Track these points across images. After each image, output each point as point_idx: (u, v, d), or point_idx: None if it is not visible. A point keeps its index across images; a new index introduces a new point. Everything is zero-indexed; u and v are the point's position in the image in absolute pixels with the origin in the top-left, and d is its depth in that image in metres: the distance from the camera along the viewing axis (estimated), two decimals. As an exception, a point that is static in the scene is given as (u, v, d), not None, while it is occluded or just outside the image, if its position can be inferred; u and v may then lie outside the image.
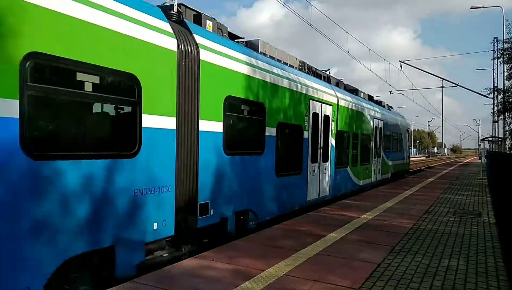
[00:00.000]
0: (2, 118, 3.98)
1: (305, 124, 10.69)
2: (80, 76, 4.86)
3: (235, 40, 8.77)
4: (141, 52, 5.55)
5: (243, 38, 9.34)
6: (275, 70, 9.27)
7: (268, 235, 7.27)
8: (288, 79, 9.80)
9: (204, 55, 6.73)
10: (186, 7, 7.22)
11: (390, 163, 20.56)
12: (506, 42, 23.45)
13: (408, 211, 10.30)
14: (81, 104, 4.96)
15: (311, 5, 14.74)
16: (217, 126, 7.12)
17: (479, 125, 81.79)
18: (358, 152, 15.12)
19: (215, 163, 7.09)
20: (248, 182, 8.16)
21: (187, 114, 6.41)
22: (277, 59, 10.13)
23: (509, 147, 29.62)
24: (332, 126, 12.55)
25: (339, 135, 13.05)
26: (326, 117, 12.06)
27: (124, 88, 5.47)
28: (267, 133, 8.77)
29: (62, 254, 4.50)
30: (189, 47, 6.43)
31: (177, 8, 6.96)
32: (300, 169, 10.54)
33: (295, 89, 10.07)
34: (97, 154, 4.98)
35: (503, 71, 25.25)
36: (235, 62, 7.68)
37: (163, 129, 5.90)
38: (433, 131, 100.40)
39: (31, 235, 4.21)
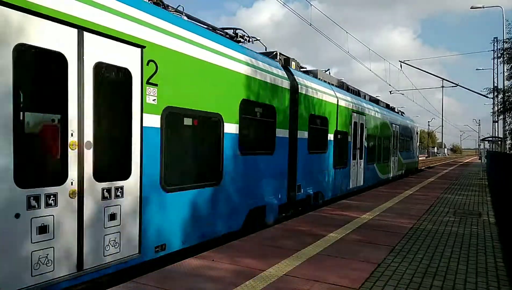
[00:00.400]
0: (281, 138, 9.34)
1: (349, 131, 13.76)
2: (258, 108, 8.55)
3: (301, 70, 11.74)
4: (275, 92, 9.07)
5: (305, 67, 12.61)
6: (332, 92, 12.65)
7: (268, 235, 7.28)
8: (339, 98, 13.03)
9: (300, 89, 10.20)
10: (280, 53, 10.55)
11: (404, 161, 23.60)
12: (506, 42, 23.47)
13: (408, 211, 10.30)
14: (257, 122, 8.70)
15: (311, 5, 14.76)
16: (306, 134, 10.66)
17: (479, 125, 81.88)
18: (381, 152, 18.22)
19: (304, 159, 10.46)
20: (319, 173, 11.63)
21: (293, 127, 9.91)
22: (328, 82, 13.34)
23: (509, 147, 29.63)
24: (365, 131, 15.44)
25: (369, 138, 16.05)
26: (361, 125, 15.01)
27: (270, 114, 8.90)
28: (329, 138, 12.18)
29: (251, 205, 8.27)
30: (294, 84, 9.96)
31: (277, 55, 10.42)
32: (347, 164, 13.74)
33: (343, 105, 13.28)
34: (261, 152, 8.67)
35: (503, 71, 25.27)
36: (314, 91, 11.13)
37: (283, 137, 9.42)
38: (433, 131, 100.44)
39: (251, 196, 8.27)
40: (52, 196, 4.33)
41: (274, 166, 9.07)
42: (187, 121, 6.49)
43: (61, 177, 4.46)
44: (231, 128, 7.35)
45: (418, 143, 31.32)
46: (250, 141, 8.23)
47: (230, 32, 8.86)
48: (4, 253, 3.93)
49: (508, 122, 26.00)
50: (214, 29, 8.13)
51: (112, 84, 5.23)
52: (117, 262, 5.06)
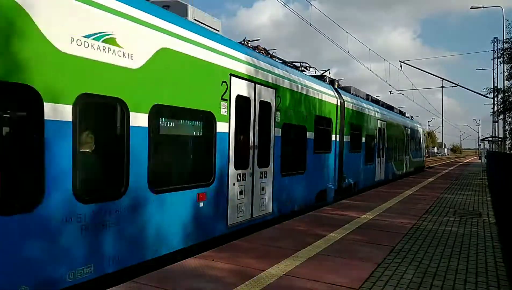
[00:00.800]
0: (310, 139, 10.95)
1: (375, 134, 17.18)
2: (323, 120, 11.86)
3: (340, 87, 14.78)
4: (332, 107, 12.35)
5: (341, 84, 15.31)
6: (364, 105, 15.96)
7: (268, 235, 7.28)
8: (368, 109, 16.37)
9: (345, 104, 13.38)
10: (328, 76, 13.76)
11: (413, 160, 27.25)
12: (506, 42, 23.49)
13: (408, 211, 10.30)
14: (323, 131, 11.69)
15: (311, 4, 14.77)
16: (348, 138, 13.73)
17: (479, 125, 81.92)
18: (397, 152, 21.88)
19: (347, 157, 13.63)
20: (356, 167, 14.89)
21: (340, 133, 13.01)
22: (359, 96, 16.33)
23: (509, 147, 29.63)
24: (385, 135, 18.83)
25: (388, 140, 19.56)
26: (383, 129, 18.53)
27: (329, 124, 12.23)
28: (362, 141, 15.43)
29: (321, 188, 11.61)
30: (341, 101, 13.15)
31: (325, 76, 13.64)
32: (374, 161, 17.18)
33: (372, 115, 16.70)
34: (324, 151, 11.84)
35: (503, 71, 25.28)
36: (353, 104, 14.36)
37: (335, 140, 12.67)
38: (433, 131, 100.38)
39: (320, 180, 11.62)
40: (379, 161, 17.37)
41: (331, 161, 12.57)
42: (296, 132, 10.30)
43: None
44: (310, 135, 10.86)
45: (424, 144, 36.01)
46: (318, 144, 11.39)
47: (295, 63, 12.43)
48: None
49: (508, 122, 26.02)
50: (294, 66, 12.00)
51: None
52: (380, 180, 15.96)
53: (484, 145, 44.03)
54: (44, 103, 4.21)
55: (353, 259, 5.94)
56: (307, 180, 10.78)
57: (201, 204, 6.61)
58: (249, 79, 7.95)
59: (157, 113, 5.68)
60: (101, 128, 5.28)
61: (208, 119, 6.85)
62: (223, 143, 7.16)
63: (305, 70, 12.65)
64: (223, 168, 7.20)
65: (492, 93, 30.50)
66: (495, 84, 31.60)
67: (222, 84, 7.08)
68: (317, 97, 11.31)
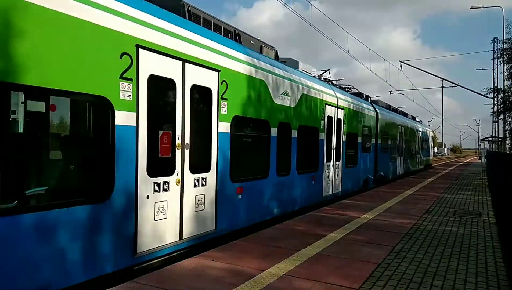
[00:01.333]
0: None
1: (397, 137, 21.66)
2: (367, 128, 16.80)
3: (371, 100, 19.36)
4: (372, 119, 17.07)
5: (370, 97, 19.32)
6: (390, 115, 21.28)
7: (268, 235, 7.27)
8: (393, 118, 21.66)
9: (379, 116, 18.06)
10: (365, 94, 18.20)
11: (423, 158, 31.92)
12: (506, 42, 23.51)
13: (408, 211, 10.30)
14: (366, 136, 16.55)
15: (311, 4, 14.76)
16: (380, 141, 18.11)
17: (479, 125, 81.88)
18: (411, 151, 26.41)
19: (379, 155, 18.13)
20: (385, 163, 19.56)
21: (375, 137, 17.30)
22: (384, 106, 21.81)
23: (509, 147, 29.63)
24: (404, 137, 23.39)
25: (406, 142, 24.06)
26: (403, 133, 23.12)
27: (371, 131, 17.00)
28: (389, 143, 19.99)
29: (365, 177, 16.37)
30: (376, 113, 17.72)
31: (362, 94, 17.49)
32: (396, 159, 21.93)
33: (396, 122, 21.74)
34: (367, 151, 16.53)
35: (503, 71, 25.28)
36: (383, 115, 18.83)
37: (374, 143, 17.38)
38: (433, 131, 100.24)
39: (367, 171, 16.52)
40: (399, 159, 22.54)
41: (371, 158, 17.11)
42: (353, 138, 14.56)
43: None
44: (359, 140, 15.32)
45: (432, 145, 41.52)
46: (364, 146, 15.89)
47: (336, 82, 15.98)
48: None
49: (508, 122, 26.03)
50: (340, 87, 15.95)
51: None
52: (399, 174, 22.52)
53: (484, 145, 44.05)
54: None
55: (353, 259, 5.93)
56: (358, 171, 15.50)
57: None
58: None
59: None
60: None
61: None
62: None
63: (349, 90, 16.52)
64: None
65: (492, 93, 30.51)
66: (495, 84, 31.60)
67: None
68: (365, 112, 16.09)
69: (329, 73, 14.10)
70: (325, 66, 24.42)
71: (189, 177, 6.35)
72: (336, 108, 12.57)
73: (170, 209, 5.96)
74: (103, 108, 4.97)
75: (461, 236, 7.64)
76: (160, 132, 5.89)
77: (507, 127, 27.02)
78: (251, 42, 9.28)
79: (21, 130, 4.29)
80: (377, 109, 18.08)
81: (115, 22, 5.06)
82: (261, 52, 9.51)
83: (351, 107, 14.19)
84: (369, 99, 18.78)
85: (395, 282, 5.00)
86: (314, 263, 5.69)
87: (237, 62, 7.64)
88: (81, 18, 4.64)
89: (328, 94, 12.06)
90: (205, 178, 6.75)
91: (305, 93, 10.35)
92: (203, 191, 6.71)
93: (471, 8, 29.31)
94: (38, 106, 4.44)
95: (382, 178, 18.70)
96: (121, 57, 5.17)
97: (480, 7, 28.91)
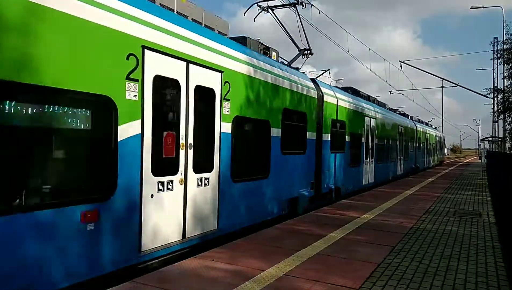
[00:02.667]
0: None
1: (424, 140, 28.89)
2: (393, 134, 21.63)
3: (399, 112, 24.84)
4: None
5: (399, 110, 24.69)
6: (414, 125, 27.36)
7: (268, 235, 7.27)
8: (417, 126, 28.42)
9: (418, 127, 28.00)
10: (399, 110, 26.58)
11: (439, 156, 44.65)
12: (505, 43, 23.53)
13: (408, 211, 10.30)
14: (407, 141, 25.24)
15: (311, 5, 14.75)
16: (416, 144, 28.60)
17: (479, 125, 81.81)
18: (432, 150, 35.95)
19: (418, 154, 28.53)
20: (421, 158, 30.25)
21: (416, 142, 27.57)
22: (407, 116, 27.68)
23: (509, 147, 29.63)
24: (427, 141, 31.42)
25: (431, 146, 34.34)
26: (420, 138, 28.55)
27: (396, 134, 21.65)
28: (424, 145, 31.45)
29: (393, 174, 21.33)
30: (413, 126, 25.76)
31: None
32: (414, 157, 26.83)
33: (420, 130, 28.71)
34: (406, 152, 25.11)
35: (503, 71, 25.28)
36: (422, 127, 31.64)
37: (416, 146, 28.45)
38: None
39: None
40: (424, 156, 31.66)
41: (419, 153, 27.57)
42: (381, 141, 18.83)
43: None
44: (395, 142, 20.72)
45: (444, 147, 54.62)
46: (406, 147, 22.47)
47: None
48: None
49: (508, 122, 26.04)
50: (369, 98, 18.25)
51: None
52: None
53: (484, 145, 44.22)
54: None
55: (353, 259, 5.93)
56: (407, 162, 23.60)
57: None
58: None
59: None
60: None
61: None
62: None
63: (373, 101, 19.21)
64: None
65: (492, 93, 30.52)
66: (495, 84, 31.60)
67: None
68: (420, 129, 27.31)
69: (329, 73, 14.13)
70: (325, 66, 24.46)
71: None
72: (370, 119, 16.30)
73: (421, 160, 14.56)
74: (413, 143, 20.33)
75: (461, 236, 7.64)
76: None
77: (507, 127, 27.03)
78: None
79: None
80: (416, 124, 28.15)
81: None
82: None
83: (384, 118, 18.84)
84: (409, 116, 27.89)
85: (395, 282, 5.00)
86: (314, 263, 5.69)
87: (423, 129, 17.07)
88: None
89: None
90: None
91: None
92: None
93: (471, 8, 29.31)
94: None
95: (417, 169, 28.23)
96: (414, 133, 11.69)
97: (480, 7, 28.91)
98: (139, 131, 5.35)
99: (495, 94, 29.66)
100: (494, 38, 31.33)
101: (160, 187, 5.74)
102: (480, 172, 27.13)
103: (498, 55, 28.81)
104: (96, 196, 4.84)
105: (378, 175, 17.60)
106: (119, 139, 5.04)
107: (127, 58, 5.22)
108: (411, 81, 67.10)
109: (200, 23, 10.41)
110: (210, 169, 6.88)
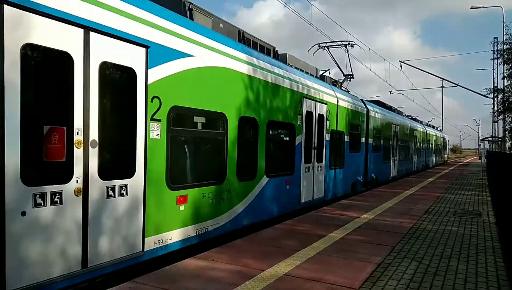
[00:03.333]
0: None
1: (433, 143, 36.34)
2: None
3: (410, 117, 29.89)
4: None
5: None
6: (424, 129, 32.54)
7: (268, 235, 7.27)
8: (427, 130, 34.24)
9: (443, 137, 49.45)
10: (419, 119, 36.18)
11: (444, 156, 50.89)
12: (505, 43, 23.54)
13: (408, 211, 10.30)
14: (428, 144, 34.42)
15: (311, 4, 14.77)
16: (433, 145, 39.48)
17: (479, 125, 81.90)
18: (437, 151, 40.34)
19: (431, 152, 37.14)
20: (428, 156, 34.71)
21: (435, 145, 41.09)
22: (421, 122, 35.01)
23: (509, 147, 29.63)
24: (435, 143, 37.66)
25: (436, 146, 39.19)
26: (429, 139, 33.27)
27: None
28: (433, 145, 38.33)
29: (422, 164, 31.06)
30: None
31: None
32: (432, 155, 37.31)
33: (431, 133, 35.87)
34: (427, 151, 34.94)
35: (503, 71, 25.29)
36: (427, 130, 34.42)
37: (434, 148, 39.38)
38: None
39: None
40: (433, 156, 39.63)
41: (427, 154, 33.19)
42: (435, 144, 37.74)
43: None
44: (417, 145, 28.75)
45: (447, 148, 61.13)
46: (419, 147, 28.92)
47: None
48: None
49: (508, 122, 26.05)
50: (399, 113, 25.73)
51: None
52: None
53: (484, 145, 44.39)
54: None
55: (353, 259, 5.93)
56: (420, 160, 28.88)
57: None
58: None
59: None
60: None
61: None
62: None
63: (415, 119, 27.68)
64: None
65: (492, 93, 30.53)
66: (495, 84, 31.61)
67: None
68: (429, 132, 33.73)
69: (329, 73, 14.11)
70: (325, 66, 24.50)
71: (432, 156, 22.42)
72: (394, 125, 20.79)
73: (432, 158, 20.36)
74: (420, 145, 30.06)
75: (461, 236, 7.64)
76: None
77: (507, 127, 27.03)
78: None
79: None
80: (426, 128, 33.27)
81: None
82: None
83: (403, 124, 23.46)
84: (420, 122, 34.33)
85: (395, 282, 5.00)
86: (314, 263, 5.69)
87: (434, 132, 22.40)
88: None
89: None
90: (434, 156, 20.07)
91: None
92: (434, 157, 20.32)
93: (471, 8, 29.32)
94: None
95: (428, 165, 33.24)
96: (298, 103, 10.20)
97: (480, 7, 28.91)
98: (432, 149, 10.78)
99: (495, 94, 29.68)
100: (494, 38, 31.38)
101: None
102: (480, 172, 27.13)
103: (498, 55, 28.84)
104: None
105: (400, 170, 22.40)
106: (432, 149, 14.33)
107: (298, 103, 9.77)
108: (411, 81, 67.07)
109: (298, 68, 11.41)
110: (433, 153, 20.63)
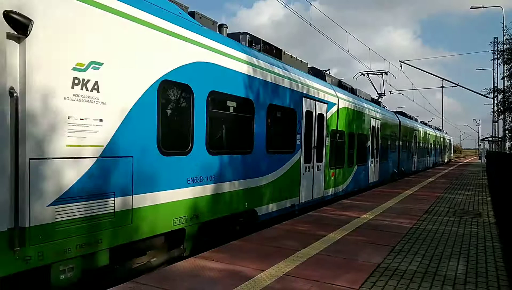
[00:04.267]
0: None
1: (441, 144, 44.60)
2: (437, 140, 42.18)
3: (421, 122, 38.46)
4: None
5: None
6: (433, 131, 39.74)
7: (268, 235, 7.27)
8: (436, 133, 41.39)
9: (451, 141, 63.94)
10: (434, 126, 48.16)
11: (450, 155, 59.10)
12: (505, 44, 23.55)
13: (408, 211, 10.30)
14: (436, 144, 41.52)
15: (311, 5, 14.78)
16: (438, 146, 45.97)
17: (479, 125, 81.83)
18: (443, 150, 46.51)
19: (439, 152, 44.32)
20: (437, 155, 42.70)
21: (447, 145, 54.10)
22: (432, 127, 44.06)
23: (509, 147, 29.63)
24: (441, 144, 44.31)
25: (443, 146, 46.27)
26: (438, 141, 40.59)
27: (447, 143, 53.49)
28: (442, 146, 46.71)
29: (434, 161, 39.64)
30: (450, 139, 58.38)
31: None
32: (440, 154, 44.49)
33: (439, 135, 42.74)
34: (442, 151, 47.28)
35: (503, 72, 25.29)
36: (449, 136, 60.70)
37: (444, 147, 50.46)
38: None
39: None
40: (445, 155, 51.81)
41: (438, 152, 41.60)
42: (441, 145, 45.04)
43: None
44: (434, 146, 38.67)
45: (452, 148, 68.81)
46: (432, 148, 36.95)
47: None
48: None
49: (508, 122, 26.05)
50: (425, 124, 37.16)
51: None
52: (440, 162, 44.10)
53: (484, 145, 44.54)
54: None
55: (353, 259, 5.93)
56: (432, 158, 36.32)
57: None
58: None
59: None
60: None
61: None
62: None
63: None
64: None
65: (492, 93, 30.53)
66: (495, 84, 31.61)
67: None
68: (439, 135, 41.62)
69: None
70: (325, 66, 24.65)
71: (443, 154, 39.50)
72: (415, 131, 27.30)
73: (441, 156, 41.18)
74: (431, 145, 36.95)
75: (461, 236, 7.64)
76: (435, 148, 30.10)
77: (507, 127, 27.03)
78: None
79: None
80: (436, 131, 40.15)
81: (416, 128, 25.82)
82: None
83: (421, 129, 30.18)
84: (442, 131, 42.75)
85: (395, 282, 5.00)
86: (314, 263, 5.69)
87: (443, 135, 49.07)
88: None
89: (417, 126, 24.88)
90: (445, 154, 41.02)
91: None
92: (443, 155, 40.69)
93: (471, 8, 29.33)
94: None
95: (437, 163, 39.79)
96: (437, 137, 40.29)
97: (480, 7, 28.92)
98: (447, 148, 51.49)
99: (495, 94, 29.68)
100: (494, 38, 31.37)
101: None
102: (480, 172, 27.12)
103: (498, 56, 28.85)
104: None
105: (418, 165, 28.86)
106: (446, 149, 49.54)
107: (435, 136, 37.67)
108: (411, 81, 67.09)
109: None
110: (443, 152, 43.80)
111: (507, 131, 27.39)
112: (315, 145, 10.98)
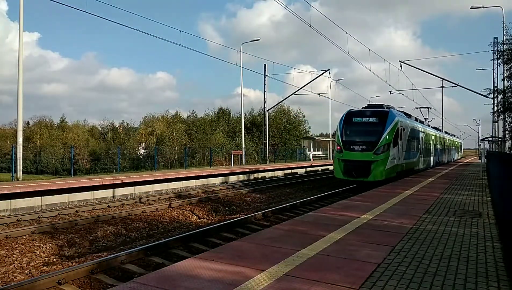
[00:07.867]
0: None
1: (455, 146, 62.67)
2: (454, 143, 66.41)
3: (445, 132, 59.33)
4: (456, 143, 72.67)
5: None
6: (447, 135, 55.95)
7: (268, 235, 7.27)
8: (447, 137, 53.98)
9: (462, 144, 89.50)
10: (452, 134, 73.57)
11: (460, 154, 77.63)
12: (505, 44, 23.57)
13: (408, 211, 10.30)
14: (449, 146, 57.43)
15: (311, 6, 14.84)
16: (453, 147, 66.67)
17: (479, 125, 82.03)
18: (455, 150, 63.96)
19: (452, 151, 60.00)
20: (453, 154, 62.12)
21: (456, 147, 72.64)
22: (445, 131, 62.57)
23: (509, 147, 29.66)
24: (455, 146, 62.69)
25: (454, 147, 60.61)
26: (451, 144, 56.11)
27: (457, 146, 75.05)
28: (455, 148, 66.47)
29: (452, 157, 61.85)
30: (461, 143, 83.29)
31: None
32: (453, 154, 59.93)
33: (454, 140, 64.64)
34: (454, 150, 67.38)
35: (503, 72, 25.31)
36: (460, 141, 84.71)
37: (456, 147, 71.84)
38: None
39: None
40: (454, 153, 70.61)
41: (454, 151, 62.31)
42: (452, 146, 62.50)
43: None
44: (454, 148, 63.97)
45: (462, 149, 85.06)
46: (452, 149, 58.88)
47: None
48: None
49: (508, 122, 26.07)
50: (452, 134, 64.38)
51: None
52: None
53: (484, 145, 44.66)
54: None
55: (353, 259, 5.93)
56: (449, 154, 53.29)
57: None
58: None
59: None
60: None
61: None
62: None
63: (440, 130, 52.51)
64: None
65: (492, 94, 30.56)
66: (495, 85, 31.65)
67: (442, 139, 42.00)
68: (452, 139, 61.02)
69: (329, 73, 14.41)
70: (325, 66, 24.81)
71: (450, 153, 56.70)
72: (445, 139, 46.56)
73: (452, 155, 59.27)
74: (453, 147, 60.96)
75: (461, 236, 7.64)
76: (449, 148, 53.02)
77: (507, 127, 27.06)
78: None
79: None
80: (461, 141, 71.55)
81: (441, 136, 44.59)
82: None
83: (444, 136, 45.86)
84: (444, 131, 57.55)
85: (395, 282, 5.00)
86: (314, 263, 5.69)
87: (453, 138, 63.43)
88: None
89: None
90: (454, 153, 61.84)
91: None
92: (455, 153, 65.00)
93: (471, 8, 29.37)
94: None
95: (452, 159, 54.40)
96: (458, 143, 73.68)
97: (480, 7, 28.95)
98: (454, 149, 64.53)
99: (495, 94, 29.71)
100: (494, 38, 31.42)
101: (451, 152, 54.90)
102: (480, 172, 27.13)
103: (498, 56, 28.88)
104: None
105: (444, 159, 42.96)
106: (454, 149, 65.06)
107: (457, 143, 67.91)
108: (411, 81, 67.55)
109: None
110: (456, 152, 67.24)
111: (507, 132, 27.41)
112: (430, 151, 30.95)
